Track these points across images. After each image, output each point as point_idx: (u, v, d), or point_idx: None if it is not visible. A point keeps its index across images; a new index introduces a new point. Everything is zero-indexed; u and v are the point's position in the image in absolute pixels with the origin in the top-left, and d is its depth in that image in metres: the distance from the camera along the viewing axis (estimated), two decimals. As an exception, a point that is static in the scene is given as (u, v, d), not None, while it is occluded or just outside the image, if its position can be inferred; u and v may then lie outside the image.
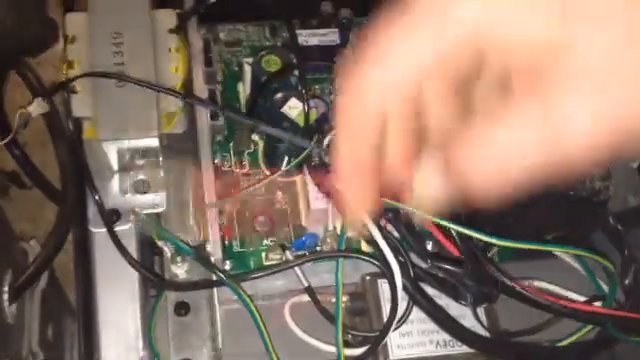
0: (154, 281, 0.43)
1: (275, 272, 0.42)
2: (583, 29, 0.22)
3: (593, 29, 0.22)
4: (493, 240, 0.38)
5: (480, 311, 0.44)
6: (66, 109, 0.45)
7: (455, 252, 0.42)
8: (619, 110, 0.23)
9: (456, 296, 0.44)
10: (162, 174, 0.46)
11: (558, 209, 0.46)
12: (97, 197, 0.44)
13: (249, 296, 0.41)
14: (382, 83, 0.25)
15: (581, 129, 0.23)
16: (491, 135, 0.24)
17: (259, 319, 0.40)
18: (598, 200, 0.45)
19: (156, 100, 0.42)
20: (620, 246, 0.46)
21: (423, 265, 0.44)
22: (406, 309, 0.42)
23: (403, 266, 0.41)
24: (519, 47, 0.23)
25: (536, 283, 0.47)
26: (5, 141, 0.44)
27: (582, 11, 0.22)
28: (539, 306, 0.43)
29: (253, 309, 0.40)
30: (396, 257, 0.41)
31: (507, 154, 0.24)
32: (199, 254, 0.43)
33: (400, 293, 0.41)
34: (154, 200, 0.46)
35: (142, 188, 0.46)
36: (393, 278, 0.40)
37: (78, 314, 0.46)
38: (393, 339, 0.43)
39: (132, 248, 0.45)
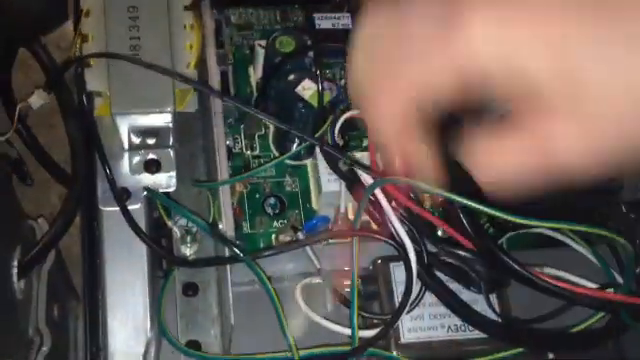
0: (167, 258, 0.43)
1: (291, 250, 0.42)
2: (581, 60, 0.24)
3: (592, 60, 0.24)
4: (510, 217, 0.38)
5: (492, 297, 0.44)
6: (78, 85, 0.44)
7: (461, 239, 0.42)
8: (609, 132, 0.25)
9: (468, 283, 0.44)
10: (172, 153, 0.46)
11: (570, 197, 0.46)
12: (110, 175, 0.43)
13: (267, 276, 0.41)
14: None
15: (569, 152, 0.25)
16: (492, 150, 0.27)
17: (276, 298, 0.40)
18: (612, 187, 0.45)
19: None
20: (632, 236, 0.46)
21: (434, 250, 0.43)
22: (419, 292, 0.42)
23: (417, 249, 0.41)
24: (521, 78, 0.25)
25: (546, 270, 0.47)
26: (5, 137, 0.43)
27: (580, 45, 0.24)
28: (550, 292, 0.43)
29: (270, 288, 0.40)
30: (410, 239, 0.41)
31: (505, 169, 0.27)
32: (216, 231, 0.42)
33: (415, 275, 0.40)
34: (165, 180, 0.45)
35: (153, 167, 0.45)
36: (408, 259, 0.40)
37: (84, 294, 0.46)
38: (404, 322, 0.43)
39: (142, 228, 0.44)
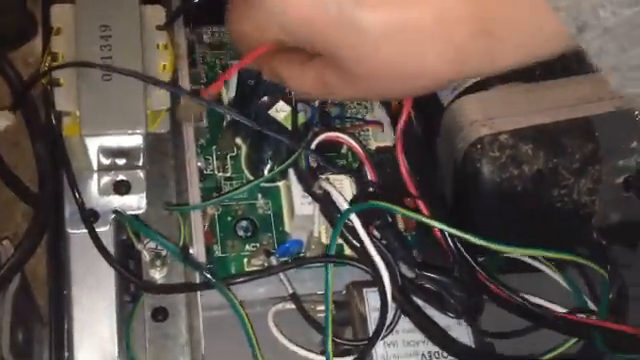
0: (137, 284, 0.42)
1: (265, 276, 0.41)
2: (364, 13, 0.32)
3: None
4: (492, 245, 0.38)
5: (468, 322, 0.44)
6: (46, 104, 0.43)
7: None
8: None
9: (443, 308, 0.44)
10: (143, 175, 0.45)
11: (544, 221, 0.46)
12: (78, 197, 0.42)
13: (241, 302, 0.40)
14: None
15: (338, 93, 0.38)
16: (297, 74, 0.39)
17: (248, 325, 0.39)
18: (583, 213, 0.45)
19: (143, 97, 0.40)
20: (603, 261, 0.46)
21: (410, 275, 0.43)
22: (393, 317, 0.41)
23: (392, 274, 0.41)
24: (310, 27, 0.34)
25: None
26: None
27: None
28: (525, 314, 0.43)
29: (243, 315, 0.39)
30: (385, 264, 0.41)
31: (302, 88, 0.39)
32: (188, 256, 0.41)
33: (390, 300, 0.40)
34: (135, 201, 0.44)
35: (122, 189, 0.44)
36: (383, 284, 0.40)
37: (50, 319, 0.44)
38: (377, 349, 0.42)
39: (110, 251, 0.43)
